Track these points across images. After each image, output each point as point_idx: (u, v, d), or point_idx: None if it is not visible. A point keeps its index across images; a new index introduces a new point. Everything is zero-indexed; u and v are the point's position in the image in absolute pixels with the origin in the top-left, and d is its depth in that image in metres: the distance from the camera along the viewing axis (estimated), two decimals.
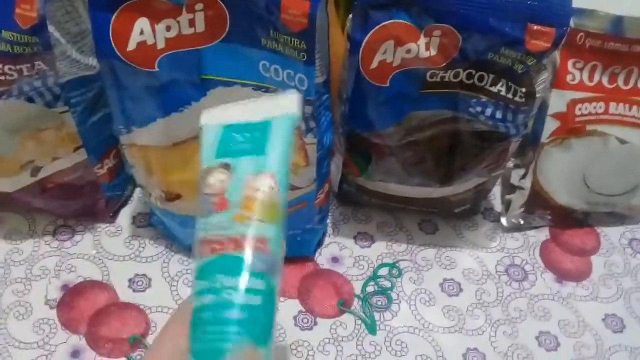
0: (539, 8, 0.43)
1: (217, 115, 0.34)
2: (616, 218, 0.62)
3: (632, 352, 0.53)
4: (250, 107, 0.34)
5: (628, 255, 0.60)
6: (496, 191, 0.64)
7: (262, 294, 0.29)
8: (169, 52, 0.42)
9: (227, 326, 0.28)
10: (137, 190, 0.61)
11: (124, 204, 0.60)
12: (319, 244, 0.58)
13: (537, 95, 0.46)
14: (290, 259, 0.56)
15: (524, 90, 0.46)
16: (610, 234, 0.62)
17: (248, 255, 0.29)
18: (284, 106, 0.34)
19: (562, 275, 0.58)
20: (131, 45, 0.41)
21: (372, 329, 0.52)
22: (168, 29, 0.42)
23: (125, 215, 0.59)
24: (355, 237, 0.59)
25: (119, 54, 0.42)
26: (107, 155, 0.55)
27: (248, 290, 0.29)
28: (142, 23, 0.41)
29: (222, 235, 0.30)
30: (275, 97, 0.35)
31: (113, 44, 0.41)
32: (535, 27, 0.43)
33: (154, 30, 0.41)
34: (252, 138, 0.32)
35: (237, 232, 0.30)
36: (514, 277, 0.57)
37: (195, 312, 0.29)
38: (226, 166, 0.31)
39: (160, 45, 0.42)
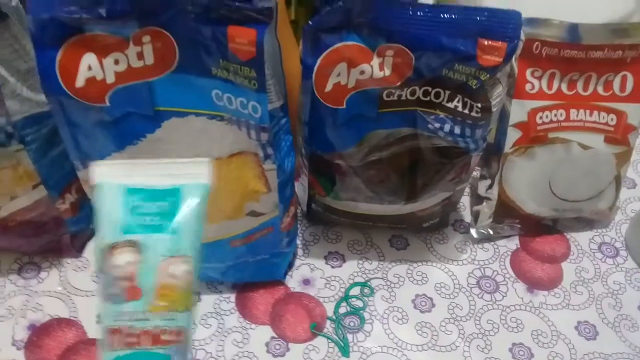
0: (489, 23, 0.43)
1: (115, 172, 0.31)
2: (584, 223, 0.63)
3: (606, 359, 0.52)
4: (155, 169, 0.31)
5: (598, 260, 0.60)
6: (466, 202, 0.64)
7: None
8: (120, 86, 0.42)
9: None
10: None
11: (90, 237, 0.59)
12: (290, 266, 0.58)
13: (494, 109, 0.46)
14: (260, 284, 0.56)
15: (479, 105, 0.46)
16: (580, 240, 0.62)
17: (167, 350, 0.28)
18: (193, 173, 0.31)
19: (534, 284, 0.58)
20: (79, 82, 0.41)
21: (345, 351, 0.52)
22: (117, 62, 0.41)
23: (92, 249, 0.58)
24: (326, 257, 0.59)
25: (67, 91, 0.41)
26: (69, 190, 0.54)
27: None
28: (90, 58, 0.41)
29: (137, 327, 0.28)
30: (183, 161, 0.32)
31: (61, 81, 0.41)
32: (486, 42, 0.43)
33: (102, 65, 0.41)
34: (161, 210, 0.30)
35: (154, 325, 0.28)
36: (486, 289, 0.57)
37: None
38: (134, 244, 0.29)
39: (110, 79, 0.41)
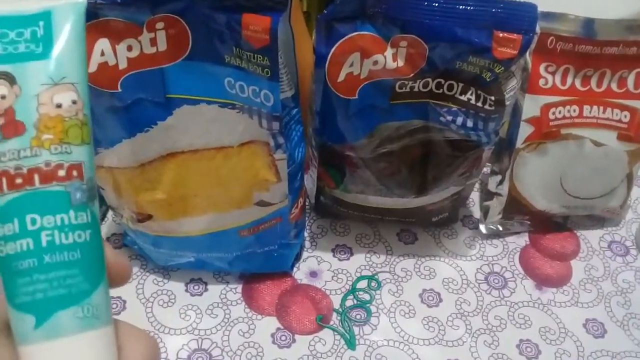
0: (505, 15, 0.43)
1: None
2: (595, 221, 0.62)
3: (614, 357, 0.52)
4: None
5: (608, 259, 0.60)
6: (475, 198, 0.64)
7: (91, 228, 0.26)
8: (132, 72, 0.42)
9: (62, 270, 0.25)
10: (111, 212, 0.60)
11: (103, 217, 0.59)
12: (297, 258, 0.57)
13: (507, 103, 0.46)
14: (267, 275, 0.56)
15: (493, 98, 0.45)
16: (590, 237, 0.61)
17: (66, 187, 0.25)
18: None
19: (542, 281, 0.57)
20: (92, 67, 0.41)
21: (351, 344, 0.52)
22: (130, 48, 0.41)
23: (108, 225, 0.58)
24: (333, 250, 0.59)
25: None
26: None
27: (76, 227, 0.25)
28: (103, 44, 0.40)
29: (25, 166, 0.25)
30: None
31: None
32: (501, 35, 0.43)
33: (115, 51, 0.41)
34: (32, 36, 0.25)
35: (45, 161, 0.25)
36: (494, 285, 0.57)
37: (7, 262, 0.25)
38: (5, 75, 0.25)
39: (122, 65, 0.41)
